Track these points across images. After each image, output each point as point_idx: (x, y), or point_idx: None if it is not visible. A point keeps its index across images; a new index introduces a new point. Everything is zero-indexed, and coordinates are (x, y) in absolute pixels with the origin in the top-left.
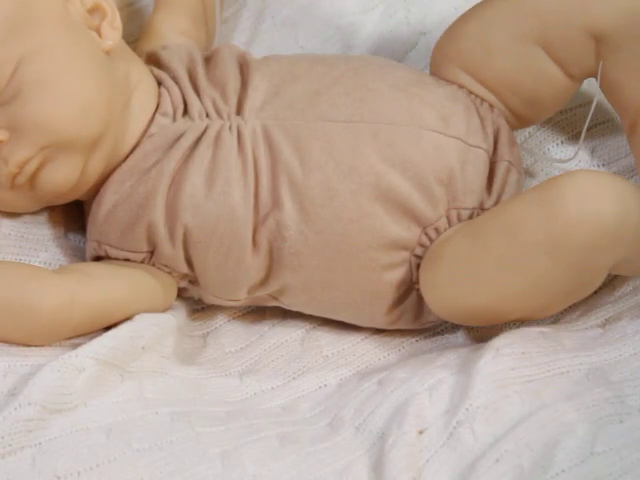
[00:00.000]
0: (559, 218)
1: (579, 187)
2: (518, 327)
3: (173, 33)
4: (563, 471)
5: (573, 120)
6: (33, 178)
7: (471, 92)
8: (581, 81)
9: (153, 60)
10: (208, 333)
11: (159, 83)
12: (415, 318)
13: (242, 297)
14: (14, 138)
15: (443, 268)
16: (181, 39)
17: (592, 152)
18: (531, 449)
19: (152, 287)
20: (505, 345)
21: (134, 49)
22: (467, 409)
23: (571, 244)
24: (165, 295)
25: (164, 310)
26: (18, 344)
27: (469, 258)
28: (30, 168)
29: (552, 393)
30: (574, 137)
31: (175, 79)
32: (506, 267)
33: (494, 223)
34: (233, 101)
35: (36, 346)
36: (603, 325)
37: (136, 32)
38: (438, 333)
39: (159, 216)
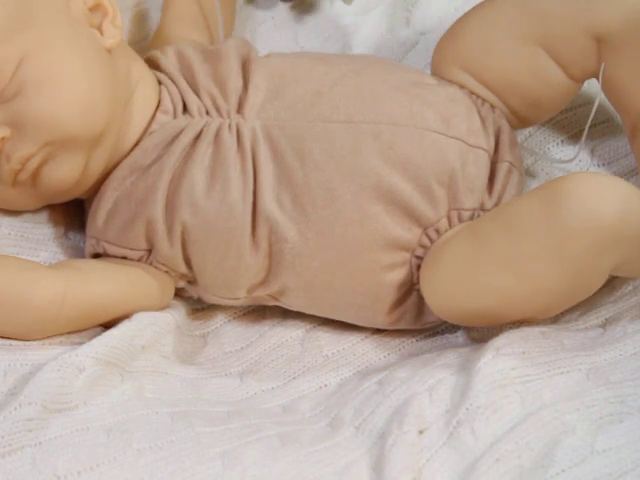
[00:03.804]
0: (560, 220)
1: (581, 189)
2: (518, 327)
3: (179, 39)
4: (563, 471)
5: (573, 120)
6: (35, 175)
7: (472, 92)
8: (582, 82)
9: (151, 63)
10: (208, 333)
11: (159, 83)
12: (416, 318)
13: (242, 296)
14: (17, 135)
15: (444, 269)
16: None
17: (592, 152)
18: (531, 449)
19: (148, 285)
20: (505, 345)
21: (141, 53)
22: (467, 409)
23: (572, 245)
24: (162, 293)
25: (161, 308)
26: (9, 337)
27: (470, 259)
28: (32, 164)
29: (552, 393)
30: (574, 137)
31: (173, 80)
32: (507, 268)
33: (495, 224)
34: (233, 99)
35: (31, 341)
36: (603, 325)
37: (140, 33)
38: (438, 333)
39: (158, 213)
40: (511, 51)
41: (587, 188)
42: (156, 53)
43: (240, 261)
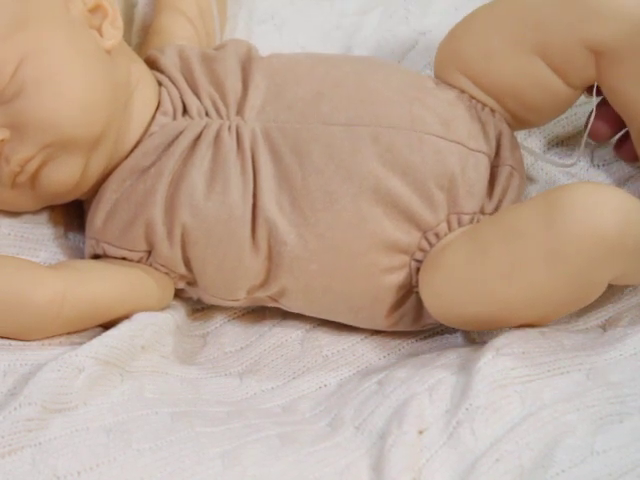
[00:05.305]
0: (560, 230)
1: (581, 199)
2: (518, 327)
3: (174, 36)
4: (563, 471)
5: (574, 120)
6: (35, 177)
7: (472, 97)
8: (582, 89)
9: (151, 63)
10: (208, 333)
11: (159, 84)
12: (414, 321)
13: (241, 297)
14: (16, 136)
15: (443, 274)
16: (181, 41)
17: (592, 152)
18: (531, 449)
19: (148, 285)
20: (505, 345)
21: (138, 52)
22: (467, 409)
23: (571, 256)
24: (161, 294)
25: (161, 309)
26: (9, 337)
27: (469, 264)
28: (32, 167)
29: (552, 393)
30: (575, 137)
31: (172, 80)
32: (505, 275)
33: (495, 231)
34: (233, 100)
35: (31, 341)
36: (603, 325)
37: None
38: (438, 333)
39: (158, 214)
40: (510, 58)
41: (587, 199)
42: (156, 53)
43: (240, 263)
